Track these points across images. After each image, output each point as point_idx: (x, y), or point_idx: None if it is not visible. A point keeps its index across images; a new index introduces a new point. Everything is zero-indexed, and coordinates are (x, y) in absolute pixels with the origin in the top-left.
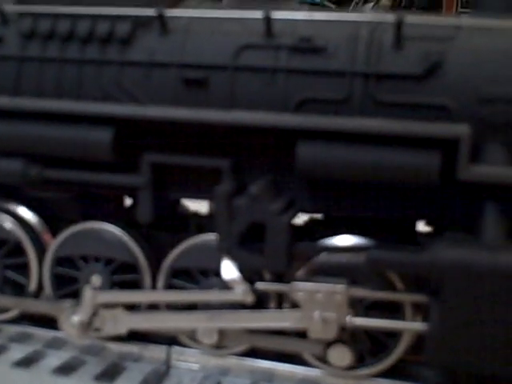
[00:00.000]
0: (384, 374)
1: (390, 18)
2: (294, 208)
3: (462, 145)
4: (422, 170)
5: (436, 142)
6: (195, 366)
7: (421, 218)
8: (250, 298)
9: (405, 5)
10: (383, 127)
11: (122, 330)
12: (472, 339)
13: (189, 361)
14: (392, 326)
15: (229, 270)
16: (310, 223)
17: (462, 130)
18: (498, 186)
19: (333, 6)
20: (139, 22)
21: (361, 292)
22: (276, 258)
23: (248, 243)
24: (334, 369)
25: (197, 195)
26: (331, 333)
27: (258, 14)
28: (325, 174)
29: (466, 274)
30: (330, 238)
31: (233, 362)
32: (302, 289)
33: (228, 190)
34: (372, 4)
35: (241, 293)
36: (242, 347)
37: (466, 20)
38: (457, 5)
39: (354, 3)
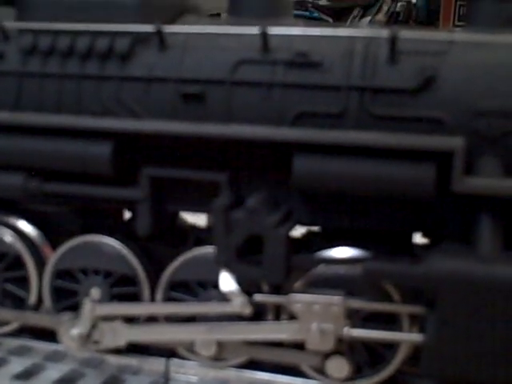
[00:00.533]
0: None
1: (384, 33)
2: (291, 220)
3: (457, 157)
4: (417, 183)
5: (431, 155)
6: (194, 379)
7: (417, 229)
8: (248, 310)
9: (402, 19)
10: (378, 140)
11: (121, 342)
12: (468, 351)
13: (187, 373)
14: (389, 337)
15: (227, 282)
16: (308, 235)
17: (456, 142)
18: (492, 198)
19: (330, 19)
20: (138, 38)
21: (358, 303)
22: (274, 270)
23: (246, 256)
24: (331, 380)
25: (195, 208)
26: (329, 344)
27: (254, 30)
28: (321, 187)
29: (462, 285)
30: (328, 249)
31: (231, 374)
32: (299, 300)
33: (226, 203)
34: (369, 18)
35: (239, 305)
36: (241, 359)
37: (460, 35)
38: (454, 18)
39: (351, 17)
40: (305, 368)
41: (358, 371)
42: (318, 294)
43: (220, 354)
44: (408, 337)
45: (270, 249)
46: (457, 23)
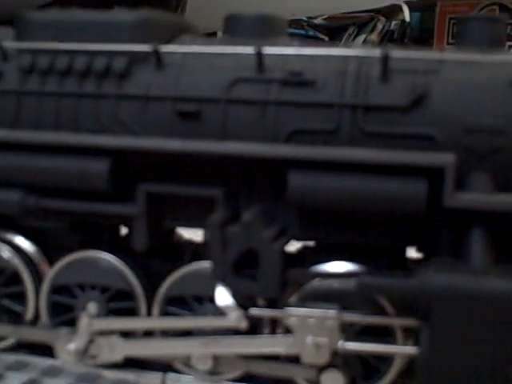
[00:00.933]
0: None
1: (376, 52)
2: (286, 235)
3: (448, 173)
4: (409, 199)
5: (423, 171)
6: None
7: (410, 244)
8: (243, 324)
9: (396, 37)
10: (370, 157)
11: (118, 357)
12: (461, 363)
13: None
14: (383, 350)
15: (223, 296)
16: (303, 250)
17: (447, 159)
18: (483, 213)
19: (326, 38)
20: (135, 58)
21: (352, 317)
22: (269, 284)
23: (242, 270)
24: None
25: (192, 224)
26: (323, 358)
27: (249, 50)
28: (315, 203)
29: (454, 298)
30: (323, 264)
31: None
32: (294, 314)
33: (221, 219)
34: (364, 36)
35: (235, 319)
36: (237, 373)
37: (450, 54)
38: (447, 37)
39: (346, 36)
40: (300, 381)
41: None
42: (313, 308)
43: (216, 368)
44: (402, 350)
45: (265, 263)
46: (450, 41)
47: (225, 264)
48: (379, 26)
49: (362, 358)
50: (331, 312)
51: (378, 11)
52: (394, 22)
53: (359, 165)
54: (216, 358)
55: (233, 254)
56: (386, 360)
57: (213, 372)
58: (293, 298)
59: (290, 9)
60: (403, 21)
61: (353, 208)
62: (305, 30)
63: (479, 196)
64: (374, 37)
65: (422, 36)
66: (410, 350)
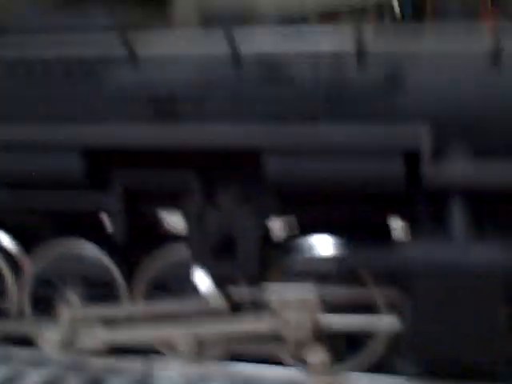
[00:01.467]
0: (364, 369)
1: (351, 41)
2: (264, 215)
3: (424, 148)
4: (386, 176)
5: (399, 147)
6: (176, 375)
7: (390, 217)
8: (224, 305)
9: (389, 17)
10: (344, 137)
11: (100, 344)
12: (444, 332)
13: (169, 369)
14: (366, 323)
15: (202, 279)
16: (284, 226)
17: (422, 133)
18: (461, 185)
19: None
20: (111, 59)
21: (333, 292)
22: (247, 263)
23: (221, 252)
24: (312, 368)
25: (170, 210)
26: (305, 333)
27: (226, 46)
28: (292, 185)
29: (436, 269)
30: (304, 239)
31: (213, 368)
32: (274, 292)
33: (198, 204)
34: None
35: (215, 300)
36: (221, 353)
37: (425, 29)
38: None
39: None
40: (285, 358)
41: (338, 358)
42: (293, 285)
43: (200, 350)
44: (385, 322)
45: (243, 243)
46: None
47: (203, 247)
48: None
49: (346, 333)
50: (311, 288)
51: None
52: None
53: (335, 146)
54: (199, 340)
55: (210, 236)
56: (371, 334)
57: (197, 353)
58: (273, 277)
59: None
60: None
61: (330, 190)
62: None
63: (456, 169)
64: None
65: (414, 14)
66: (393, 322)
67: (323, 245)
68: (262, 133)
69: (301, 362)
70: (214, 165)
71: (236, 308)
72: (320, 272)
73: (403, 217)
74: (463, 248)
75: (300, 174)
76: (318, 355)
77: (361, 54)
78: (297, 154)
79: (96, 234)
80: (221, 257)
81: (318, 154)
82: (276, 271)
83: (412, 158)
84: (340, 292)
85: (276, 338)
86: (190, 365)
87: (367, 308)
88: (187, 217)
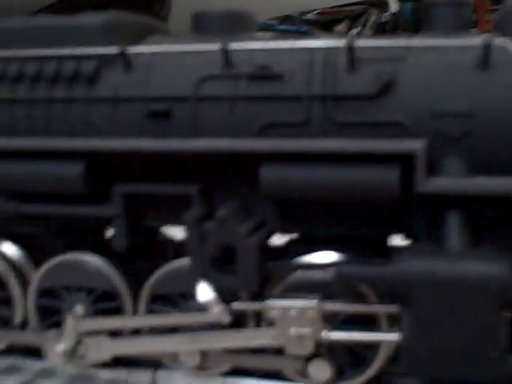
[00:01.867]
0: None
1: (342, 42)
2: (264, 229)
3: (419, 159)
4: (381, 187)
5: (394, 158)
6: None
7: (389, 231)
8: (226, 318)
9: (389, 29)
10: (340, 147)
11: (106, 356)
12: (442, 347)
13: (173, 382)
14: (367, 338)
15: (205, 292)
16: (287, 242)
17: (417, 144)
18: (456, 197)
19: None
20: (103, 60)
21: (334, 306)
22: (248, 277)
23: (222, 265)
24: (315, 382)
25: (170, 221)
26: (308, 348)
27: (216, 47)
28: (289, 195)
29: (432, 282)
30: (305, 255)
31: (218, 382)
32: (275, 306)
33: (197, 215)
34: (358, 29)
35: (217, 313)
36: (225, 367)
37: (416, 40)
38: None
39: (339, 29)
40: (288, 373)
41: (340, 373)
42: (295, 299)
43: (204, 363)
44: (386, 337)
45: (243, 257)
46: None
47: (203, 260)
48: (372, 18)
49: (348, 347)
50: (312, 302)
51: (370, 3)
52: (386, 14)
53: (330, 155)
54: (203, 353)
55: (210, 249)
56: (372, 348)
57: (201, 367)
58: (275, 291)
59: (282, 5)
60: (394, 14)
61: (326, 199)
62: (297, 26)
63: (450, 180)
64: (367, 30)
65: (415, 26)
66: (394, 336)
67: (324, 258)
68: (258, 144)
69: (303, 376)
70: (213, 176)
71: (239, 321)
72: (322, 285)
73: (400, 229)
74: (459, 261)
75: (295, 184)
76: (320, 369)
77: (352, 58)
78: (292, 164)
79: (102, 246)
80: (222, 269)
81: (313, 164)
82: (277, 285)
83: (408, 168)
84: (340, 307)
85: (279, 352)
86: (195, 378)
87: (369, 322)
88: (187, 229)
